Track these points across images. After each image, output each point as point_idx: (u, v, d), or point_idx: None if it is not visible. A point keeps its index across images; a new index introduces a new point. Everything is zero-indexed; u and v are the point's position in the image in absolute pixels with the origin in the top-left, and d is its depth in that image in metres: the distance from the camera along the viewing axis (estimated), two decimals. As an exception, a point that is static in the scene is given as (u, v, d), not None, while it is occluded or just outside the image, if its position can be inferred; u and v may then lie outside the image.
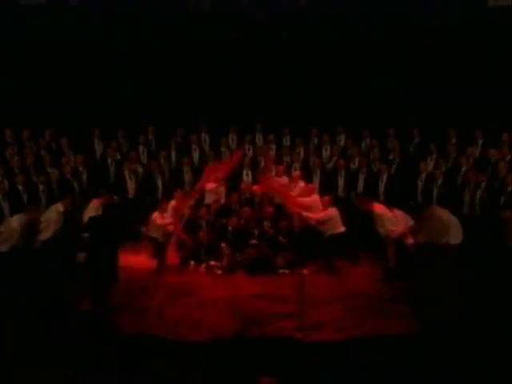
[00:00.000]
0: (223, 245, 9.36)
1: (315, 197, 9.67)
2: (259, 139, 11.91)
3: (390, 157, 11.05)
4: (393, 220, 8.70)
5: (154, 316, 7.55)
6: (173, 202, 9.68)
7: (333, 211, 9.31)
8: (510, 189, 9.30)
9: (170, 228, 9.47)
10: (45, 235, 8.91)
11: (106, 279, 7.76)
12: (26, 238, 8.73)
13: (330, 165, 11.15)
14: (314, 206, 9.58)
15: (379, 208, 8.83)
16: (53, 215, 8.98)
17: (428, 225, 8.65)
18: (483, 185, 9.53)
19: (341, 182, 10.73)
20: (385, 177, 10.46)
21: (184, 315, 7.58)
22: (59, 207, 9.08)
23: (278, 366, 6.25)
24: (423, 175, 10.26)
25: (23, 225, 8.69)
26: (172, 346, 6.88)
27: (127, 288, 8.30)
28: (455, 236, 8.52)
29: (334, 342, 6.99)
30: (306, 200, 9.68)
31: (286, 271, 9.04)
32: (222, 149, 11.64)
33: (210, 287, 8.52)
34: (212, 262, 9.29)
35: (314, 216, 9.35)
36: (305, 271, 9.02)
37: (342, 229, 9.31)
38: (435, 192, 9.96)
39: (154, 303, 7.88)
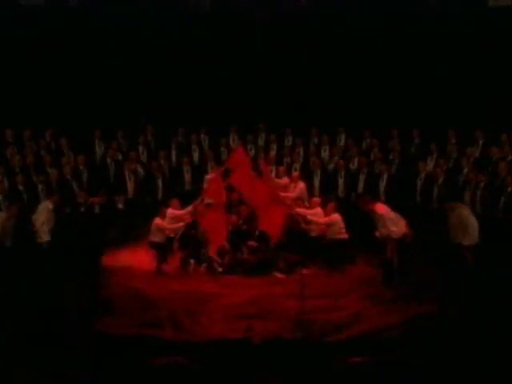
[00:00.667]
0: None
1: (318, 209, 9.69)
2: (261, 139, 11.93)
3: (391, 157, 11.04)
4: (394, 220, 8.67)
5: (191, 326, 7.34)
6: (170, 210, 9.70)
7: (336, 217, 9.40)
8: (510, 189, 9.26)
9: (170, 234, 9.58)
10: (44, 238, 8.90)
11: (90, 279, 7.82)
12: (13, 236, 8.75)
13: (331, 165, 11.14)
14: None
15: (381, 208, 8.81)
16: (44, 213, 8.97)
17: (448, 221, 8.70)
18: (482, 185, 9.51)
19: (341, 182, 10.74)
20: (385, 177, 10.45)
21: (225, 322, 7.39)
22: (48, 205, 9.07)
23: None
24: (422, 175, 10.25)
25: (4, 222, 8.70)
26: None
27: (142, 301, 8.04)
28: (471, 237, 8.49)
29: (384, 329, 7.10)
30: (309, 212, 9.74)
31: (281, 275, 9.06)
32: (222, 149, 11.66)
33: (224, 291, 8.41)
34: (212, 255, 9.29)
35: (318, 219, 9.49)
36: (304, 271, 8.99)
37: (345, 235, 9.40)
38: (435, 192, 9.94)
39: (181, 314, 7.64)
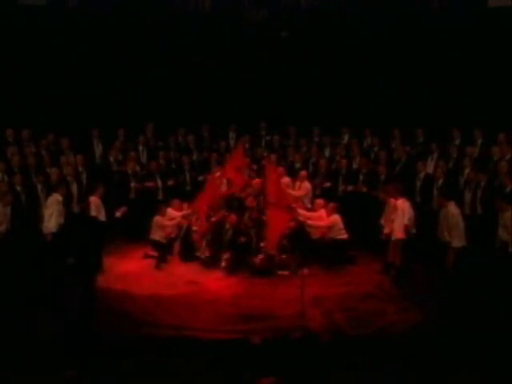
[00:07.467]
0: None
1: (322, 212, 9.72)
2: (264, 137, 11.93)
3: (394, 157, 10.99)
4: (411, 217, 8.80)
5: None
6: (169, 209, 9.83)
7: (336, 218, 9.49)
8: (508, 189, 9.22)
9: (171, 233, 9.74)
10: (50, 229, 8.91)
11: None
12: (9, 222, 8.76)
13: (334, 165, 11.10)
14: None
15: (404, 203, 8.85)
16: (53, 205, 9.00)
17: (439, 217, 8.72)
18: (482, 185, 9.48)
19: (342, 182, 10.65)
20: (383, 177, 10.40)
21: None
22: (58, 197, 9.09)
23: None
24: (421, 175, 10.22)
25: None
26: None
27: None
28: (457, 239, 8.49)
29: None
30: (314, 215, 9.78)
31: (286, 272, 9.07)
32: (222, 149, 11.65)
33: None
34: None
35: (318, 223, 9.57)
36: (305, 271, 8.98)
37: (344, 235, 9.51)
38: (435, 192, 9.91)
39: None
